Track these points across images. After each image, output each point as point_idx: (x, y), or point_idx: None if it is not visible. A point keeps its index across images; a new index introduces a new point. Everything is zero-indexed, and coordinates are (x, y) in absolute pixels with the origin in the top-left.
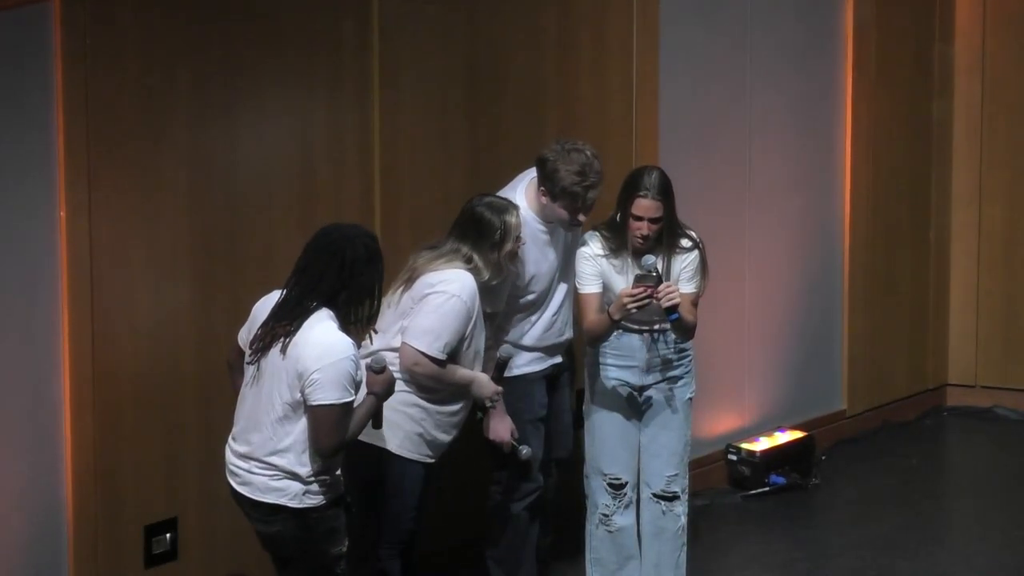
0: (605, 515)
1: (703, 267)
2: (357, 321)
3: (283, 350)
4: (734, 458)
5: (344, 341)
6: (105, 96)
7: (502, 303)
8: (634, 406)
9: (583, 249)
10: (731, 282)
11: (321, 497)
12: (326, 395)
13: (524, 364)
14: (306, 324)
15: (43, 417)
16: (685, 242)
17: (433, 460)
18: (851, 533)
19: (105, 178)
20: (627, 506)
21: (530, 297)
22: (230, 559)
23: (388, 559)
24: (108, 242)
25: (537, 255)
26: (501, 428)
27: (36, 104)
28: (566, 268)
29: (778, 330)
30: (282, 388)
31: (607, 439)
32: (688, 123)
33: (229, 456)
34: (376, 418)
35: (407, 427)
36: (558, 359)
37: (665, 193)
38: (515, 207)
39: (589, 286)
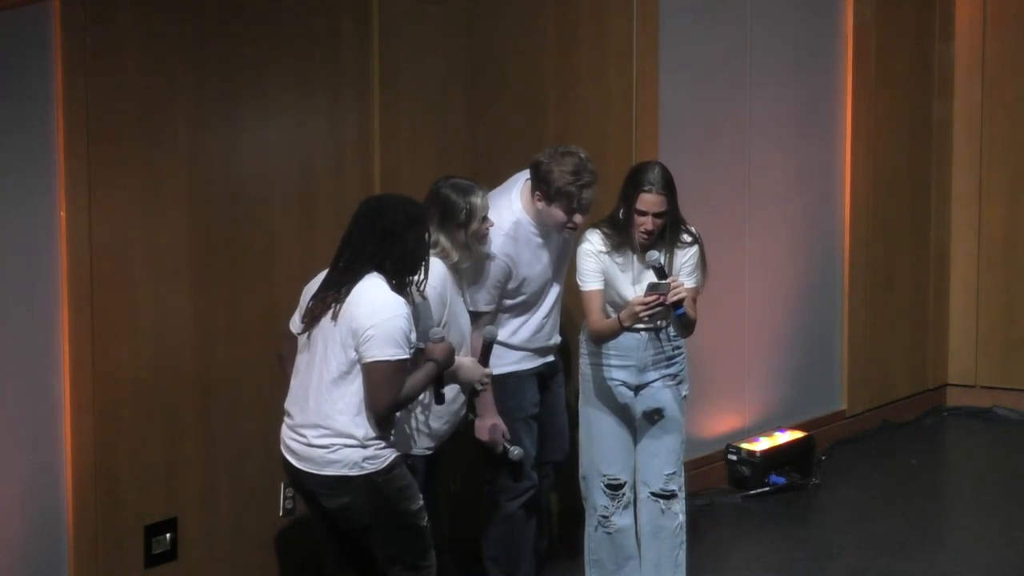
0: (604, 516)
1: (703, 262)
2: (406, 286)
3: (334, 316)
4: (734, 458)
5: (397, 299)
6: (105, 96)
7: (495, 302)
8: (630, 406)
9: (585, 246)
10: (731, 282)
11: (380, 461)
12: (380, 351)
13: (514, 362)
14: (356, 288)
15: (43, 417)
16: (686, 237)
17: (432, 452)
18: (851, 533)
19: (105, 178)
20: (625, 506)
21: (520, 299)
22: (230, 559)
23: None
24: (108, 242)
25: (530, 257)
26: (491, 430)
27: (36, 104)
28: (559, 272)
29: (778, 330)
30: (336, 350)
31: (605, 440)
32: (688, 123)
33: (284, 432)
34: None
35: (402, 422)
36: (550, 357)
37: (669, 188)
38: (481, 188)
39: (591, 283)
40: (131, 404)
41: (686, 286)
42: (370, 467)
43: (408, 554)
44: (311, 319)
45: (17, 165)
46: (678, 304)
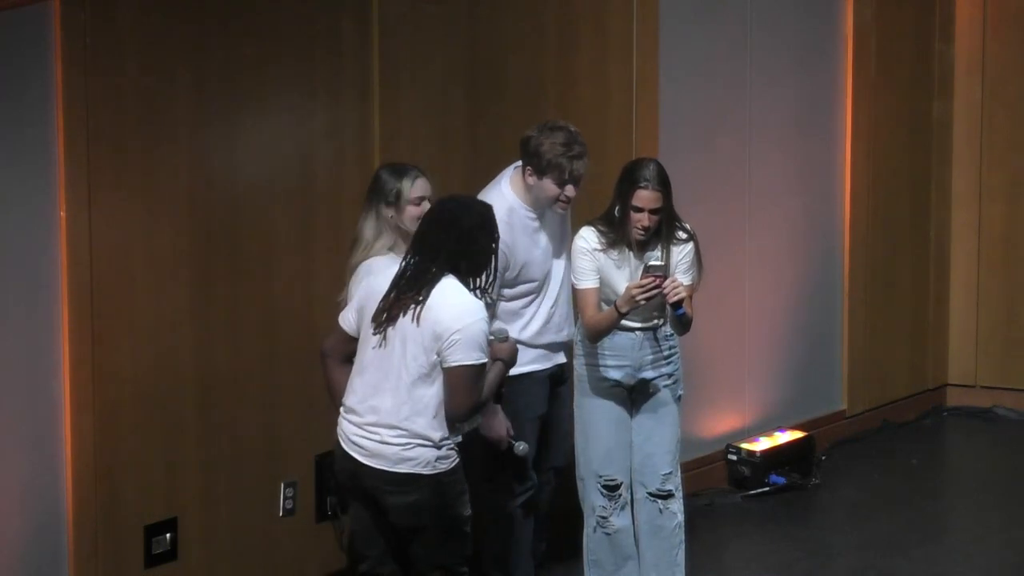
0: (603, 517)
1: (698, 259)
2: (477, 288)
3: (416, 318)
4: (734, 458)
5: (477, 303)
6: (105, 96)
7: (494, 293)
8: (626, 406)
9: (579, 243)
10: (731, 282)
11: (450, 461)
12: (464, 355)
13: (528, 362)
14: (436, 290)
15: (43, 417)
16: (681, 234)
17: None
18: (851, 533)
19: (105, 178)
20: (623, 507)
21: (525, 286)
22: (230, 559)
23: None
24: (108, 242)
25: (527, 242)
26: (497, 425)
27: (36, 104)
28: (560, 251)
29: (778, 330)
30: (417, 352)
31: (601, 440)
32: (688, 123)
33: (349, 429)
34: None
35: None
36: (561, 358)
37: (664, 184)
38: (417, 171)
39: (586, 281)
40: (131, 404)
41: (683, 284)
42: (442, 467)
43: (452, 560)
44: (387, 318)
45: (17, 165)
46: (678, 304)
